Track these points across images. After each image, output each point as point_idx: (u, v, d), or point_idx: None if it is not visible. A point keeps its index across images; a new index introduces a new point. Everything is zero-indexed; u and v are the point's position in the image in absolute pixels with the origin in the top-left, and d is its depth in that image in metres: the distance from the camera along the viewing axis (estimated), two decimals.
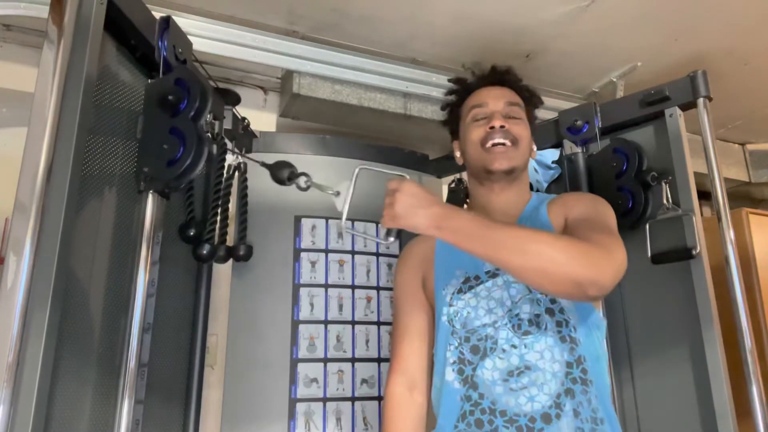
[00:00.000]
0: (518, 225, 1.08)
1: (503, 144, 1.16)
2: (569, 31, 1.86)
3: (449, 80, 1.36)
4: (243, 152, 1.69)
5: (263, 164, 1.18)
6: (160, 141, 1.14)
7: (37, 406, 0.83)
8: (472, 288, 1.11)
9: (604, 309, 1.56)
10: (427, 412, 1.17)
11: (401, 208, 0.97)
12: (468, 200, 1.73)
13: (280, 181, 1.15)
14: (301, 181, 1.15)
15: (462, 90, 1.30)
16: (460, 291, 1.12)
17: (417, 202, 0.97)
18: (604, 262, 0.93)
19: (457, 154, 1.30)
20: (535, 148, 1.27)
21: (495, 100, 1.22)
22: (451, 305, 1.12)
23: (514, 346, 1.04)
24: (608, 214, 1.12)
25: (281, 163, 1.15)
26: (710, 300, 1.34)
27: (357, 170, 1.10)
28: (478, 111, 1.22)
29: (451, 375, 1.08)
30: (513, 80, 1.28)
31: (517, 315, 1.06)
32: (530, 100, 1.29)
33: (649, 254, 1.42)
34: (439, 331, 1.13)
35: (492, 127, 1.17)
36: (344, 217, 1.10)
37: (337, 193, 1.13)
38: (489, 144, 1.17)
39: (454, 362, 1.09)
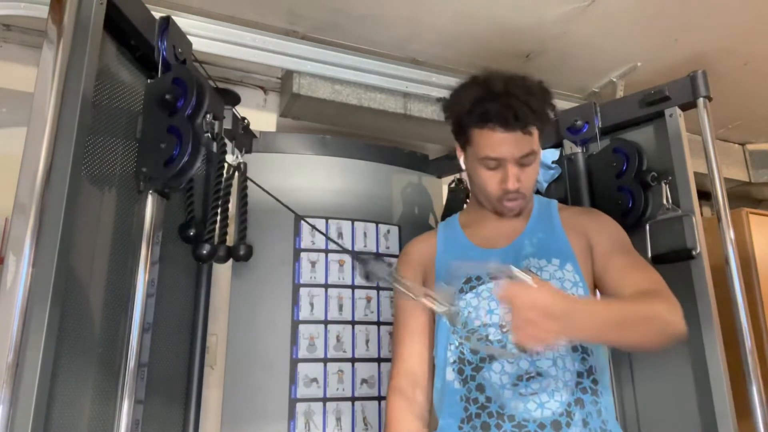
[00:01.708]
0: (626, 303, 1.02)
1: (516, 202, 1.14)
2: (569, 31, 1.86)
3: (459, 86, 1.18)
4: (243, 152, 1.69)
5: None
6: (158, 140, 1.14)
7: (36, 406, 0.83)
8: (474, 288, 1.11)
9: None
10: (429, 412, 1.17)
11: (543, 329, 0.84)
12: (468, 199, 1.73)
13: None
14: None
15: (473, 113, 1.10)
16: (461, 291, 1.12)
17: (555, 318, 0.85)
18: (678, 308, 1.00)
19: (462, 163, 1.21)
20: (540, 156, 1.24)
21: (510, 152, 1.08)
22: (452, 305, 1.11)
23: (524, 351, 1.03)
24: (628, 239, 1.19)
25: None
26: (710, 300, 1.34)
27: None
28: (490, 161, 1.11)
29: (451, 375, 1.08)
30: (530, 120, 1.08)
31: None
32: (545, 125, 1.15)
33: (649, 255, 1.42)
34: (439, 331, 1.13)
35: (506, 189, 1.10)
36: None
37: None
38: (503, 201, 1.13)
39: (454, 362, 1.09)
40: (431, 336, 1.19)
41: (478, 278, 1.12)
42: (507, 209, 1.15)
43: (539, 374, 1.02)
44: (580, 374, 1.04)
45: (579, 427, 1.00)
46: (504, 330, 1.05)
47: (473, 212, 1.26)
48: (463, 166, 1.24)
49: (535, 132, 1.10)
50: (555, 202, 1.26)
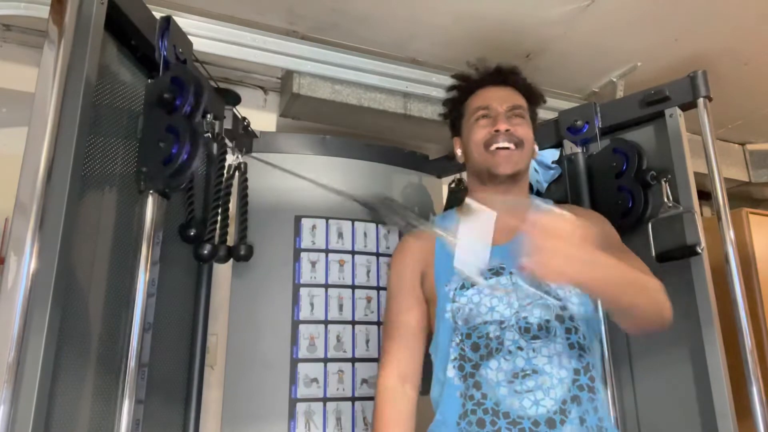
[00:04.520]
0: (632, 269, 0.97)
1: (508, 148, 1.17)
2: (569, 31, 1.86)
3: (452, 76, 1.34)
4: (243, 152, 1.69)
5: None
6: (157, 140, 1.14)
7: (37, 406, 0.83)
8: (475, 284, 1.11)
9: (604, 310, 1.56)
10: (417, 406, 1.17)
11: (561, 261, 0.80)
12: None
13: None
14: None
15: (466, 87, 1.30)
16: (462, 287, 1.11)
17: (571, 248, 0.81)
18: (668, 302, 1.02)
19: (458, 152, 1.29)
20: (536, 147, 1.27)
21: (499, 102, 1.21)
22: (454, 301, 1.11)
23: (520, 348, 1.04)
24: (621, 241, 1.22)
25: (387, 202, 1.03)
26: (710, 300, 1.34)
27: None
28: (482, 113, 1.22)
29: (451, 371, 1.08)
30: (517, 80, 1.27)
31: (525, 318, 1.06)
32: (533, 99, 1.29)
33: (653, 253, 1.42)
34: (441, 327, 1.13)
35: (497, 131, 1.17)
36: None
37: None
38: (493, 147, 1.17)
39: (455, 359, 1.09)
40: (423, 332, 1.19)
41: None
42: (499, 161, 1.17)
43: (535, 372, 1.02)
44: (576, 371, 1.04)
45: (575, 425, 1.00)
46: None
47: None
48: (459, 153, 1.30)
49: (524, 100, 1.25)
50: (551, 201, 1.29)
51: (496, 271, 1.12)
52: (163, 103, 1.16)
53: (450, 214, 1.29)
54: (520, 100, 1.24)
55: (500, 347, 1.05)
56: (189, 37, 1.39)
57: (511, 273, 1.11)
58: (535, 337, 1.05)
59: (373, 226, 1.77)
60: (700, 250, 1.36)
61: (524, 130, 1.19)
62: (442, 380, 1.10)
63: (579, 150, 1.66)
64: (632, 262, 1.10)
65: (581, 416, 1.01)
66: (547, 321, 1.06)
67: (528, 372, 1.02)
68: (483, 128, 1.20)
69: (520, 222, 0.84)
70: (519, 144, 1.18)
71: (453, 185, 1.87)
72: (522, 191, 1.24)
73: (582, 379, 1.04)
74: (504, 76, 1.27)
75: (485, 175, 1.20)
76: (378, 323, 1.70)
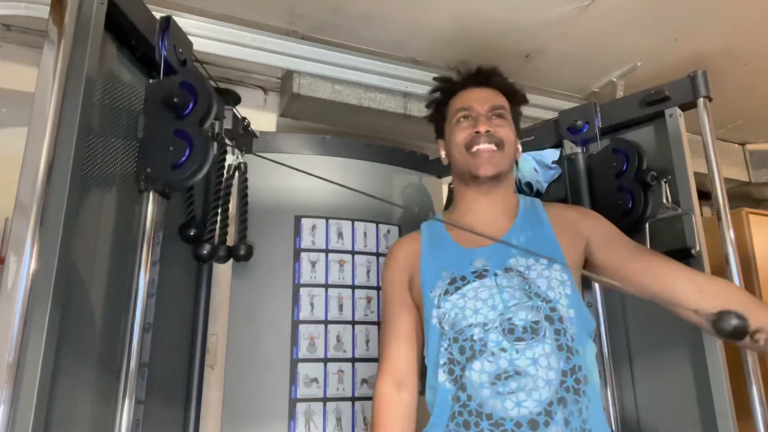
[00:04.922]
0: None
1: (489, 149, 1.17)
2: (569, 31, 1.86)
3: (434, 78, 1.35)
4: (243, 152, 1.69)
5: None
6: (164, 143, 1.14)
7: (37, 406, 0.83)
8: (459, 289, 1.11)
9: (604, 309, 1.56)
10: (416, 411, 1.18)
11: None
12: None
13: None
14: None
15: (447, 89, 1.30)
16: (446, 292, 1.12)
17: None
18: None
19: (442, 153, 1.30)
20: (520, 148, 1.27)
21: (480, 103, 1.21)
22: (439, 307, 1.12)
23: (503, 350, 1.04)
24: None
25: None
26: None
27: None
28: (462, 114, 1.22)
29: (442, 376, 1.09)
30: (498, 81, 1.27)
31: (509, 320, 1.06)
32: (515, 99, 1.29)
33: None
34: (429, 334, 1.13)
35: (477, 132, 1.17)
36: None
37: None
38: (474, 149, 1.17)
39: (445, 363, 1.09)
40: (418, 337, 1.20)
41: (463, 278, 1.12)
42: (479, 162, 1.17)
43: (518, 373, 1.02)
44: (564, 373, 1.03)
45: (560, 426, 0.99)
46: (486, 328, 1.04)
47: (457, 210, 1.26)
48: (443, 154, 1.30)
49: (506, 100, 1.25)
50: (538, 200, 1.27)
51: (479, 274, 1.12)
52: (171, 106, 1.16)
53: (434, 222, 1.28)
54: (501, 101, 1.24)
55: (483, 349, 1.05)
56: (189, 37, 1.39)
57: (495, 275, 1.11)
58: (519, 339, 1.04)
59: (373, 225, 1.77)
60: (694, 253, 1.36)
61: (505, 131, 1.19)
62: (435, 385, 1.11)
63: (579, 150, 1.66)
64: (674, 263, 1.11)
65: (566, 418, 1.01)
66: (536, 322, 1.06)
67: (510, 373, 1.02)
68: (464, 130, 1.20)
69: None
70: (500, 145, 1.18)
71: (453, 185, 1.87)
72: (506, 192, 1.24)
73: (568, 381, 1.03)
74: (485, 77, 1.27)
75: (467, 176, 1.20)
76: (378, 323, 1.70)
